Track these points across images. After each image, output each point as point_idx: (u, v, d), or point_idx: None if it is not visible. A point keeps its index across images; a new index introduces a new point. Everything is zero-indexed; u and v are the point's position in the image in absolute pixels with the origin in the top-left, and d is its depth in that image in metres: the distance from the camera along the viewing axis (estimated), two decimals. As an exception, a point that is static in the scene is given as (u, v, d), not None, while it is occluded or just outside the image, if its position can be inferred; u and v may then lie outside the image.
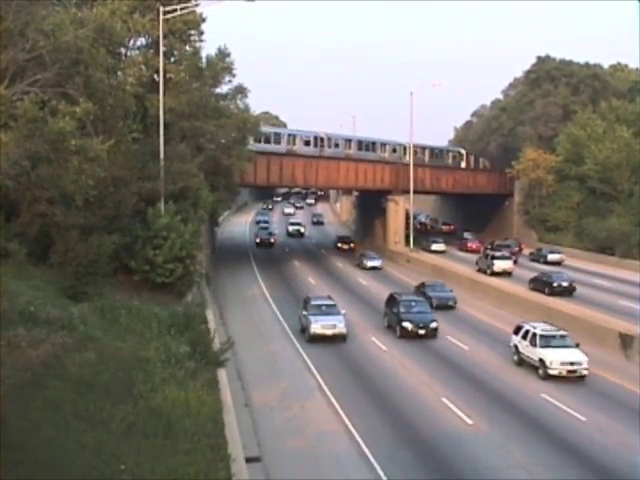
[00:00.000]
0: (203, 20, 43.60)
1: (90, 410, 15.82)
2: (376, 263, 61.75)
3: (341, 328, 33.66)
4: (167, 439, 15.69)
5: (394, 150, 76.10)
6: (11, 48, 25.58)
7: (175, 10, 37.33)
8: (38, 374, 16.25)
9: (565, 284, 48.14)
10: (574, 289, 48.09)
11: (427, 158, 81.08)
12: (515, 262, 60.70)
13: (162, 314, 26.55)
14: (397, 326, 35.41)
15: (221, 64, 46.06)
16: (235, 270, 57.52)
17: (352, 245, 75.30)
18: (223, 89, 48.91)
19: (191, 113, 42.13)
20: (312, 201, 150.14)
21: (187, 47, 43.94)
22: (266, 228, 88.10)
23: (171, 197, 35.02)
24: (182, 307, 29.19)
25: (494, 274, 55.44)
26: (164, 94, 36.75)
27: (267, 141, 64.50)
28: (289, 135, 69.30)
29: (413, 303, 37.06)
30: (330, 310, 34.74)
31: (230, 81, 47.94)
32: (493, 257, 57.92)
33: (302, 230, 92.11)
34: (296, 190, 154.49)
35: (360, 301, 46.03)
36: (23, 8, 25.90)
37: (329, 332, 33.43)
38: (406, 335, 34.75)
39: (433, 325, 35.34)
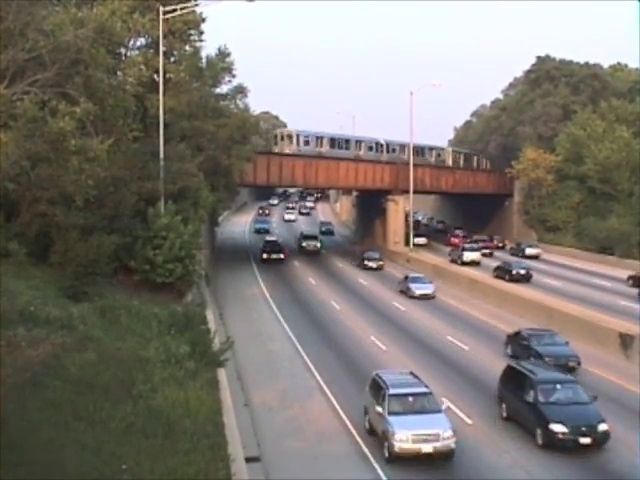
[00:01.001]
0: (203, 20, 43.65)
1: (90, 410, 15.84)
2: (428, 290, 47.33)
3: (447, 439, 19.36)
4: (167, 439, 15.71)
5: (439, 155, 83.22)
6: (11, 48, 25.62)
7: (175, 10, 37.32)
8: (38, 374, 16.26)
9: (522, 272, 53.82)
10: (531, 276, 53.66)
11: (462, 162, 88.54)
12: (491, 254, 68.75)
13: (162, 314, 26.57)
14: (537, 427, 21.16)
15: (221, 64, 46.13)
16: (235, 270, 57.52)
17: (381, 263, 61.86)
18: (223, 89, 49.12)
19: (191, 113, 42.18)
20: (312, 204, 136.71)
21: (187, 47, 43.98)
22: (272, 241, 68.71)
23: (171, 197, 35.02)
24: (182, 307, 29.20)
25: (464, 264, 61.86)
26: (164, 94, 36.75)
27: (339, 146, 70.91)
28: (356, 141, 74.30)
29: (558, 386, 22.37)
30: (423, 404, 20.62)
31: (230, 81, 48.15)
32: (463, 249, 65.40)
33: (319, 245, 72.64)
34: (291, 191, 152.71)
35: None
36: (23, 8, 25.93)
37: (427, 448, 19.23)
38: (557, 444, 20.60)
39: (602, 427, 20.71)
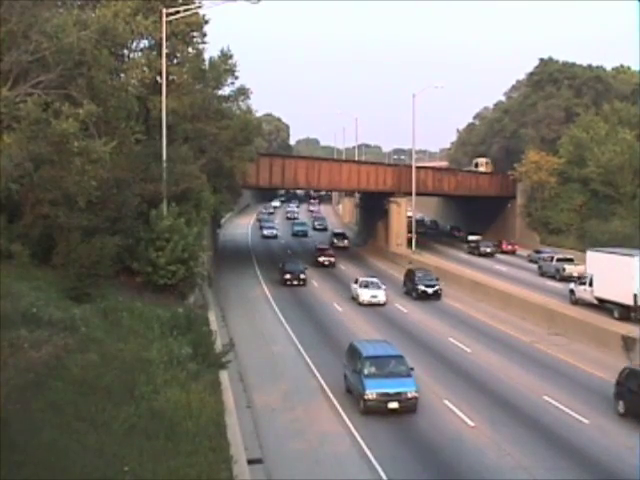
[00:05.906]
0: (206, 22, 43.60)
1: (92, 411, 15.85)
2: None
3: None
4: (169, 441, 15.71)
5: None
6: (14, 50, 25.65)
7: (178, 12, 37.35)
8: (40, 375, 16.28)
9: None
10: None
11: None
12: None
13: (164, 316, 26.56)
14: None
15: (223, 66, 46.10)
16: (237, 272, 57.51)
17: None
18: (225, 91, 49.03)
19: (194, 115, 42.18)
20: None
21: (190, 49, 43.95)
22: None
23: (173, 199, 35.00)
24: (184, 309, 29.20)
25: None
26: (167, 96, 36.73)
27: None
28: None
29: None
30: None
31: (232, 83, 48.05)
32: None
33: None
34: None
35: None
36: (26, 10, 25.95)
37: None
38: None
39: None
